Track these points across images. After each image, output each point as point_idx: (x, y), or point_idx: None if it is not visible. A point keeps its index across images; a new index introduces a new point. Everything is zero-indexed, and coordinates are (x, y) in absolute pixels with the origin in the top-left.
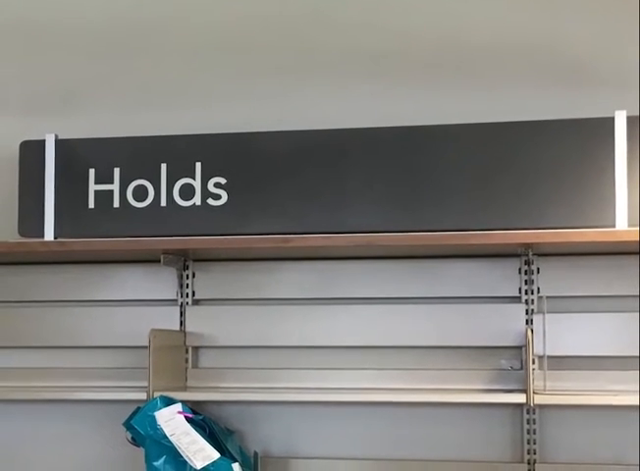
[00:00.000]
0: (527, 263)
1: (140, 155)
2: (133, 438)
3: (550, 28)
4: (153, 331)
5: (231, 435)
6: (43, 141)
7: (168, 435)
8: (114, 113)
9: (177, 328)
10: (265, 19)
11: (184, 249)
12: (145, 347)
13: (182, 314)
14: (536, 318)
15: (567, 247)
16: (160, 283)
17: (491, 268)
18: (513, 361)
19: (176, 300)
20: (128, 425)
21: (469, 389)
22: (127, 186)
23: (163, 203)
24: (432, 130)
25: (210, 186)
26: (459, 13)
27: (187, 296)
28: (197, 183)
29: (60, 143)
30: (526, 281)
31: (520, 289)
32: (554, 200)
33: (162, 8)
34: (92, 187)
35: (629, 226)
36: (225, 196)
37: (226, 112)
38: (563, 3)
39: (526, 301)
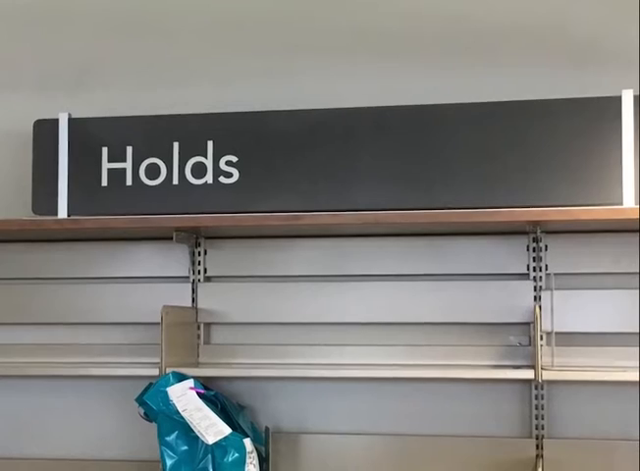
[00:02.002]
0: (535, 240)
1: (153, 134)
2: (145, 413)
3: (558, 8)
4: (165, 307)
5: (242, 410)
6: (57, 120)
7: (180, 410)
8: (127, 92)
9: (189, 304)
10: None
11: (195, 227)
12: (158, 324)
13: (193, 291)
14: (544, 295)
15: (575, 225)
16: (172, 260)
17: (499, 245)
18: (522, 337)
19: (188, 277)
20: (140, 401)
21: (478, 365)
22: (139, 165)
23: (175, 181)
24: (441, 109)
25: (222, 165)
26: None
27: (199, 273)
28: (209, 162)
29: (73, 122)
30: (534, 258)
31: (528, 266)
32: (562, 178)
33: None
34: (105, 166)
35: (636, 203)
36: (236, 174)
37: (237, 91)
38: None
39: (534, 278)
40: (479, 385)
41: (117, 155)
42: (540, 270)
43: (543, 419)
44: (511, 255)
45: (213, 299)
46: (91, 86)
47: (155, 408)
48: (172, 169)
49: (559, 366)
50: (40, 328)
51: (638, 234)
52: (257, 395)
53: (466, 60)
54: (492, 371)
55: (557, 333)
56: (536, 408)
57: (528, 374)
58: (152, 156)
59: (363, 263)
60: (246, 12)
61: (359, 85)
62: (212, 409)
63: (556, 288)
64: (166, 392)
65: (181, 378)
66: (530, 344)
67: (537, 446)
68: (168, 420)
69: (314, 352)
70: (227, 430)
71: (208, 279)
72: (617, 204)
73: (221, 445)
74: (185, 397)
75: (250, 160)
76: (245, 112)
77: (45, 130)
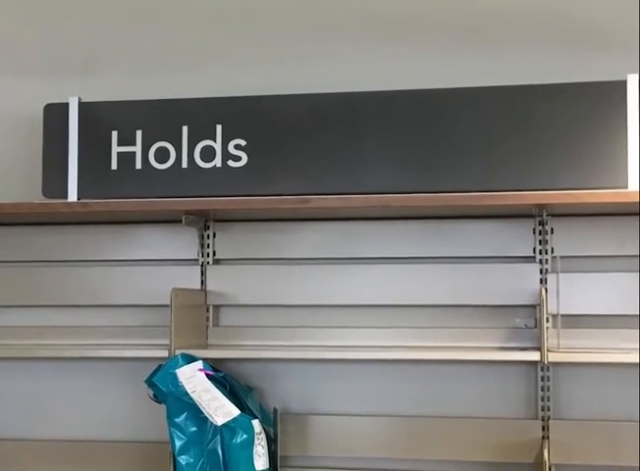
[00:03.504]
0: (541, 223)
1: (162, 118)
2: (154, 395)
3: None
4: (175, 290)
5: (251, 392)
6: (67, 104)
7: (189, 392)
8: (136, 76)
9: (198, 287)
10: None
11: (204, 210)
12: (167, 306)
13: (202, 273)
14: (550, 277)
15: (581, 208)
16: (181, 243)
17: (506, 228)
18: (528, 320)
19: (197, 260)
20: (149, 382)
21: (484, 346)
22: (149, 148)
23: (184, 165)
24: (447, 93)
25: (230, 148)
26: None
27: (208, 256)
28: (218, 145)
29: (83, 106)
30: (540, 241)
31: (534, 249)
32: (567, 162)
33: None
34: (115, 149)
35: None
36: (245, 158)
37: (246, 75)
38: None
39: (540, 261)
40: (486, 366)
41: (126, 139)
42: (546, 253)
43: (549, 400)
44: (518, 238)
45: (222, 282)
46: (101, 71)
47: (164, 390)
48: (181, 152)
49: (564, 348)
50: (50, 310)
51: (638, 217)
52: (266, 377)
53: (473, 44)
54: (498, 353)
55: (562, 315)
56: (542, 390)
57: (534, 356)
58: (162, 140)
59: (371, 246)
60: None
61: (367, 70)
62: (221, 391)
63: (561, 271)
64: (175, 374)
65: (190, 360)
66: (536, 327)
67: (543, 428)
68: (177, 401)
69: (322, 334)
70: (235, 411)
71: (217, 261)
72: (623, 187)
73: (230, 427)
74: (194, 379)
75: (259, 144)
76: (254, 96)
77: (55, 114)
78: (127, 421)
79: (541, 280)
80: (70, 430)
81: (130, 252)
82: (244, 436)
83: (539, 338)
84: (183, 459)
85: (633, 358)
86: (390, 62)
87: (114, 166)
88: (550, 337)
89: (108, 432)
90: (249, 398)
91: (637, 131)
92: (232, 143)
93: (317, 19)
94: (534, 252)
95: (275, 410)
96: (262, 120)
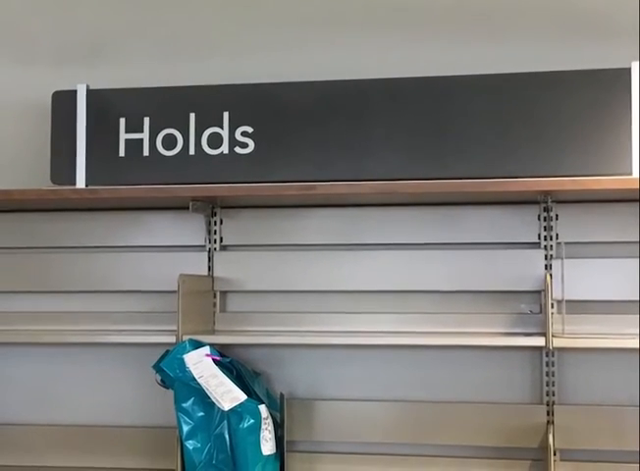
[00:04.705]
0: (546, 210)
1: (170, 105)
2: (162, 380)
3: None
4: (182, 276)
5: (257, 377)
6: (75, 91)
7: (196, 377)
8: (144, 63)
9: (205, 273)
10: None
11: (212, 196)
12: (174, 292)
13: (209, 259)
14: (555, 263)
15: (585, 195)
16: (188, 229)
17: (511, 215)
18: (533, 305)
19: (204, 246)
20: (157, 367)
21: (490, 332)
22: (156, 135)
23: (192, 152)
24: (453, 81)
25: (237, 135)
26: None
27: (215, 242)
28: (225, 132)
29: (91, 93)
30: (545, 227)
31: (539, 236)
32: (572, 149)
33: None
34: (123, 136)
35: None
36: (252, 145)
37: (253, 62)
38: None
39: (545, 247)
40: (491, 352)
41: (134, 126)
42: (551, 239)
43: (553, 386)
44: (523, 224)
45: (229, 268)
46: (109, 58)
47: (172, 375)
48: (188, 139)
49: (569, 333)
50: (58, 296)
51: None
52: (272, 362)
53: (479, 32)
54: (503, 338)
55: (567, 301)
56: (547, 375)
57: (539, 341)
58: (169, 127)
59: (377, 232)
60: None
61: (373, 57)
62: (228, 376)
63: (566, 257)
64: (182, 360)
65: (197, 345)
66: (541, 312)
67: (547, 413)
68: (184, 387)
69: (328, 320)
70: (242, 396)
71: (224, 248)
72: (627, 174)
73: (237, 412)
74: (201, 364)
75: (266, 131)
76: (261, 83)
77: (63, 102)
78: (134, 406)
79: (546, 266)
80: (77, 415)
81: (137, 239)
82: (251, 421)
83: (544, 323)
84: (190, 444)
85: (637, 343)
86: (396, 49)
87: (122, 153)
88: (554, 322)
89: (116, 417)
90: (256, 384)
91: None
92: (239, 130)
93: (324, 6)
94: (539, 238)
95: (281, 395)
96: (269, 107)
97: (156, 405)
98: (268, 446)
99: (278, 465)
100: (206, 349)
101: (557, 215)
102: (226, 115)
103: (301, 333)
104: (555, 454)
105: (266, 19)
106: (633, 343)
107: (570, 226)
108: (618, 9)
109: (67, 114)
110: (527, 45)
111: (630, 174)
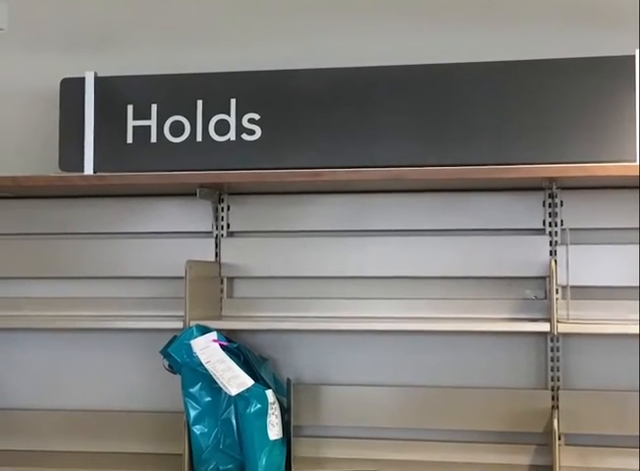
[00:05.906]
0: (551, 196)
1: (177, 92)
2: (169, 365)
3: None
4: (189, 262)
5: (264, 362)
6: (83, 79)
7: (203, 362)
8: (152, 50)
9: (212, 259)
10: None
11: (219, 183)
12: (182, 278)
13: (217, 246)
14: (559, 249)
15: (590, 181)
16: (196, 215)
17: (516, 201)
18: (538, 291)
19: (211, 232)
20: (165, 353)
21: (495, 318)
22: (164, 122)
23: (199, 138)
24: (459, 68)
25: (244, 122)
26: None
27: (222, 229)
28: (232, 119)
29: (99, 80)
30: (550, 213)
31: (544, 222)
32: (577, 136)
33: None
34: (130, 123)
35: None
36: (259, 132)
37: (260, 50)
38: None
39: (550, 233)
40: (496, 337)
41: (142, 113)
42: (555, 225)
43: (558, 371)
44: (528, 211)
45: (236, 254)
46: (117, 45)
47: (179, 360)
48: (196, 126)
49: (574, 319)
50: (66, 282)
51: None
52: (279, 348)
53: (485, 19)
54: (509, 324)
55: (572, 286)
56: (551, 360)
57: (544, 327)
58: (176, 114)
59: (383, 218)
60: None
61: (379, 44)
62: (235, 361)
63: (571, 243)
64: (190, 345)
65: (204, 331)
66: (546, 298)
67: (552, 398)
68: (192, 372)
69: (335, 306)
70: (249, 381)
71: (231, 234)
72: (631, 161)
73: (244, 397)
74: (208, 350)
75: (272, 118)
76: (268, 70)
77: (72, 89)
78: (142, 391)
79: (551, 252)
80: (85, 400)
81: (145, 225)
82: (258, 406)
83: (549, 309)
84: (197, 429)
85: None
86: (402, 37)
87: (129, 139)
88: (559, 308)
89: (123, 402)
90: (263, 369)
91: None
92: (246, 117)
93: None
94: (544, 225)
95: (288, 380)
96: (276, 94)
97: (164, 390)
98: (275, 431)
99: (284, 450)
100: (213, 335)
101: (561, 201)
102: (233, 102)
103: (308, 318)
104: (559, 439)
105: (273, 6)
106: (636, 329)
107: (575, 212)
108: None
109: (75, 101)
110: (532, 33)
111: (635, 160)
